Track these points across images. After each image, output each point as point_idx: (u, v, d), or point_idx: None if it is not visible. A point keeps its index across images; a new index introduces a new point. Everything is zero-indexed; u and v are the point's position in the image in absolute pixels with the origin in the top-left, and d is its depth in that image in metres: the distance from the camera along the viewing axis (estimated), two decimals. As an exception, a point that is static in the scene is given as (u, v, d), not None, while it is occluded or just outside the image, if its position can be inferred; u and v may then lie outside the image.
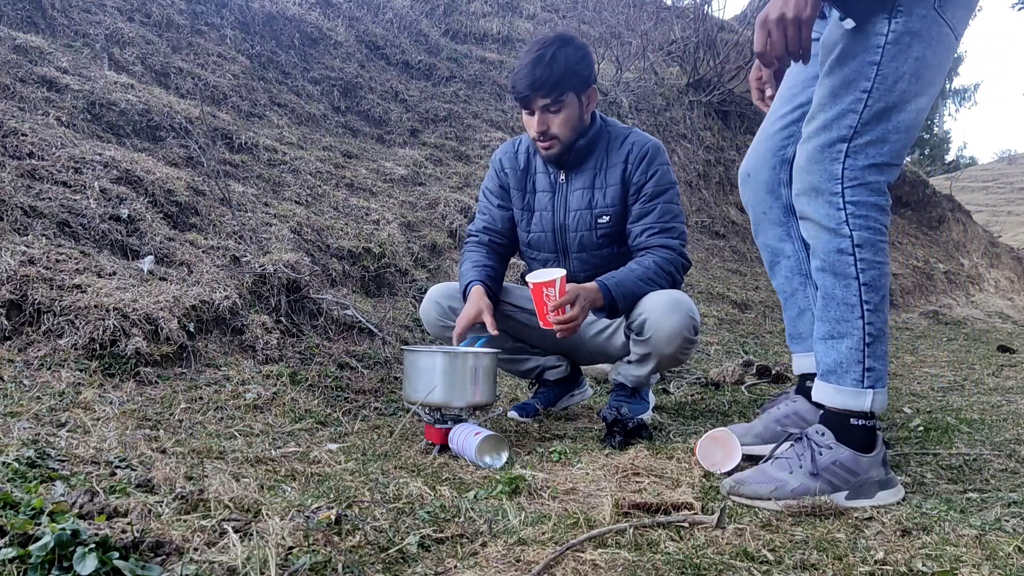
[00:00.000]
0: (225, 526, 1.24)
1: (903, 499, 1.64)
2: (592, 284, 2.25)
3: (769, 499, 1.58)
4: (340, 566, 1.15)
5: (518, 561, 1.22)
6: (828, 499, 1.56)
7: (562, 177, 2.46)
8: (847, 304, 1.63)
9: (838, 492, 1.59)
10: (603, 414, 2.17)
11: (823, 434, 1.64)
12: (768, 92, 2.01)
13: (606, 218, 2.41)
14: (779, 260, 2.02)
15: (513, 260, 2.83)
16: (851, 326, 1.63)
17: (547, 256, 2.54)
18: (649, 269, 2.30)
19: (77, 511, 1.24)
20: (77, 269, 2.50)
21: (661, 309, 2.22)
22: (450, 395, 2.03)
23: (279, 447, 1.89)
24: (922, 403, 3.05)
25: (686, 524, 1.40)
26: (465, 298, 2.37)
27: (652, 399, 2.67)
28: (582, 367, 2.83)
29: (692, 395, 3.14)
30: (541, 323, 2.21)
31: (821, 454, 1.61)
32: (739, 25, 8.62)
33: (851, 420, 1.64)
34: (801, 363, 2.02)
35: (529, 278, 2.19)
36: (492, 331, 2.23)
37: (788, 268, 2.01)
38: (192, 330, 2.50)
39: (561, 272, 2.16)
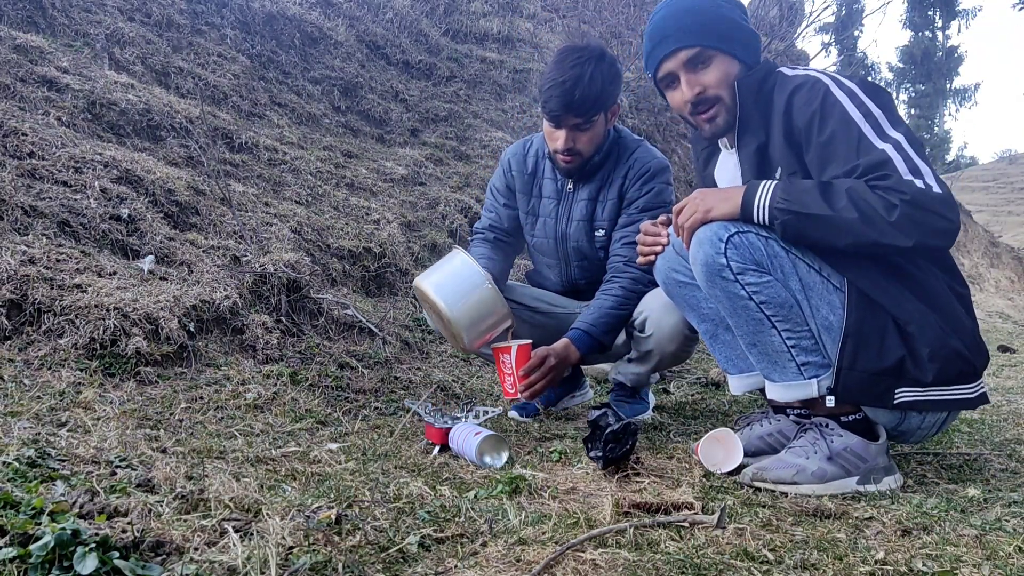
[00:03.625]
0: (225, 526, 1.24)
1: (903, 491, 1.66)
2: (563, 340, 2.25)
3: (792, 483, 1.67)
4: (340, 566, 1.15)
5: (518, 561, 1.22)
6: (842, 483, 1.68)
7: (569, 186, 2.46)
8: (755, 319, 1.71)
9: (850, 477, 1.68)
10: (596, 418, 1.89)
11: (828, 425, 1.72)
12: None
13: (602, 232, 2.42)
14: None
15: (517, 260, 2.83)
16: (767, 335, 1.72)
17: (550, 261, 2.55)
18: (618, 298, 2.30)
19: (77, 511, 1.24)
20: (77, 269, 2.50)
21: (662, 307, 2.22)
22: (452, 304, 2.08)
23: (279, 447, 1.89)
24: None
25: (686, 524, 1.40)
26: None
27: (652, 399, 2.67)
28: (582, 367, 2.82)
29: (692, 395, 3.14)
30: (503, 391, 2.24)
31: (833, 441, 1.69)
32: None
33: (841, 417, 1.73)
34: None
35: (493, 343, 2.21)
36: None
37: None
38: (192, 330, 2.50)
39: (523, 341, 2.17)
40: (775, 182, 1.65)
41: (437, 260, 2.32)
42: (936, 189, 1.54)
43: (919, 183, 1.53)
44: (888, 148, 1.57)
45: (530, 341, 2.21)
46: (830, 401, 1.71)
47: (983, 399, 1.72)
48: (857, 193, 1.55)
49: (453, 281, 2.12)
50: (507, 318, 2.17)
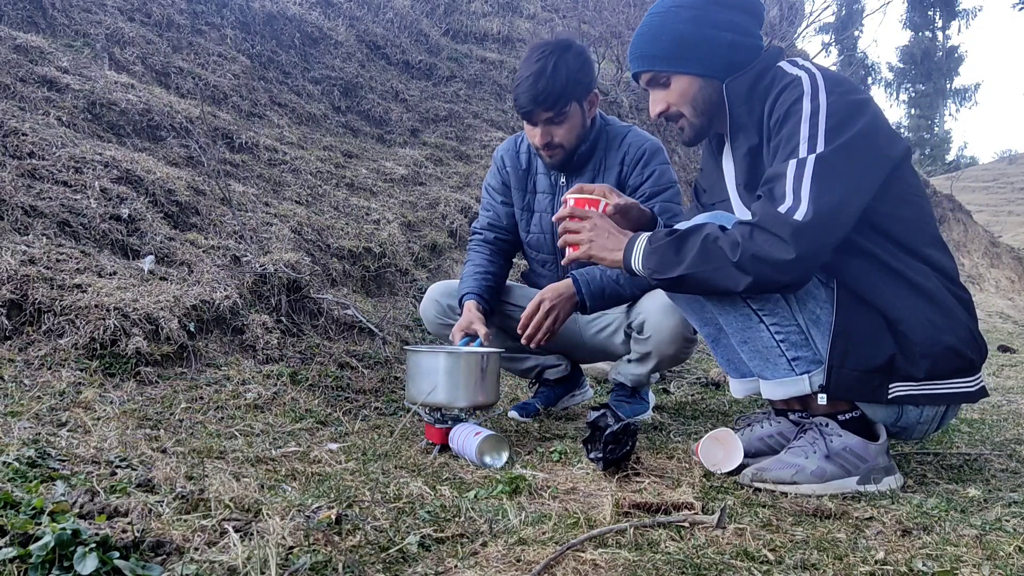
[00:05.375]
0: (225, 526, 1.24)
1: (903, 491, 1.66)
2: (565, 281, 2.26)
3: (792, 483, 1.67)
4: (340, 566, 1.15)
5: (518, 561, 1.22)
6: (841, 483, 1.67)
7: (562, 179, 2.45)
8: (742, 315, 1.72)
9: (850, 477, 1.67)
10: (595, 419, 1.85)
11: (827, 424, 1.72)
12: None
13: None
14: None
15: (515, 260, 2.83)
16: (756, 331, 1.72)
17: (546, 257, 2.54)
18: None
19: (77, 511, 1.24)
20: (77, 269, 2.50)
21: (662, 308, 2.21)
22: (453, 395, 2.02)
23: (279, 447, 1.89)
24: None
25: (686, 524, 1.40)
26: (461, 306, 2.37)
27: (652, 399, 2.67)
28: (582, 367, 2.82)
29: (692, 395, 3.14)
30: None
31: (832, 440, 1.69)
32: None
33: (838, 416, 1.72)
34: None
35: (568, 194, 1.95)
36: (484, 340, 2.22)
37: None
38: (192, 330, 2.50)
39: (600, 198, 1.91)
40: (646, 242, 1.71)
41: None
42: (797, 216, 1.53)
43: (781, 208, 1.55)
44: (791, 164, 1.58)
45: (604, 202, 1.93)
46: (822, 399, 1.71)
47: (982, 392, 1.72)
48: (710, 240, 1.60)
49: (434, 378, 2.03)
50: (491, 349, 2.15)
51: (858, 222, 1.63)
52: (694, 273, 1.62)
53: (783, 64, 1.76)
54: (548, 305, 2.21)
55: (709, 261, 1.60)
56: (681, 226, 1.73)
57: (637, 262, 1.72)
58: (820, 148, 1.58)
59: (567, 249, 1.88)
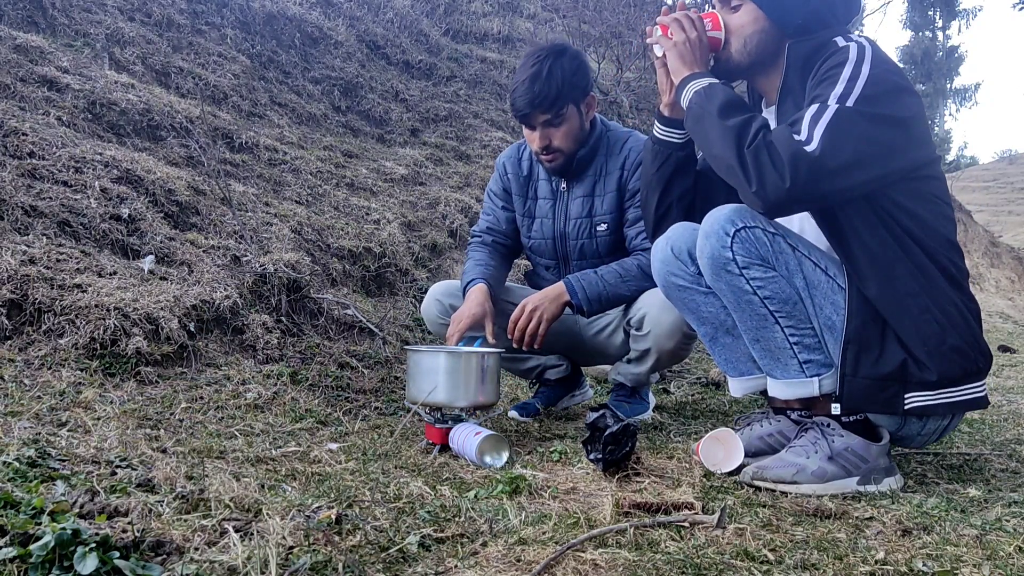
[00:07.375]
0: (226, 526, 1.24)
1: (903, 491, 1.66)
2: (556, 284, 2.29)
3: (792, 482, 1.66)
4: (340, 566, 1.15)
5: (518, 561, 1.22)
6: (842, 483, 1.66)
7: (563, 185, 2.46)
8: (758, 315, 1.72)
9: (850, 477, 1.67)
10: (594, 420, 1.83)
11: (829, 425, 1.71)
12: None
13: (604, 226, 2.41)
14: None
15: (516, 260, 2.83)
16: (770, 331, 1.72)
17: (548, 262, 2.55)
18: (629, 271, 2.30)
19: (78, 511, 1.24)
20: (78, 269, 2.50)
21: (661, 304, 2.21)
22: (453, 395, 2.02)
23: (279, 447, 1.89)
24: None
25: (686, 524, 1.40)
26: (465, 296, 2.37)
27: (652, 399, 2.67)
28: (582, 367, 2.82)
29: (692, 395, 3.14)
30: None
31: (834, 441, 1.68)
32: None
33: (842, 418, 1.72)
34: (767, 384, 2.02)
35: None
36: (490, 338, 2.23)
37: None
38: (192, 330, 2.50)
39: (722, 35, 1.86)
40: (714, 86, 1.72)
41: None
42: (807, 148, 1.53)
43: (796, 136, 1.56)
44: (814, 106, 1.59)
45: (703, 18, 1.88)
46: (835, 408, 1.70)
47: (986, 400, 1.73)
48: (749, 125, 1.60)
49: (434, 378, 2.03)
50: (491, 349, 2.16)
51: (876, 208, 1.62)
52: (721, 133, 1.63)
53: (838, 37, 1.74)
54: (531, 307, 2.25)
55: (737, 137, 1.60)
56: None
57: (691, 91, 1.75)
58: (848, 103, 1.58)
59: (658, 28, 1.87)
